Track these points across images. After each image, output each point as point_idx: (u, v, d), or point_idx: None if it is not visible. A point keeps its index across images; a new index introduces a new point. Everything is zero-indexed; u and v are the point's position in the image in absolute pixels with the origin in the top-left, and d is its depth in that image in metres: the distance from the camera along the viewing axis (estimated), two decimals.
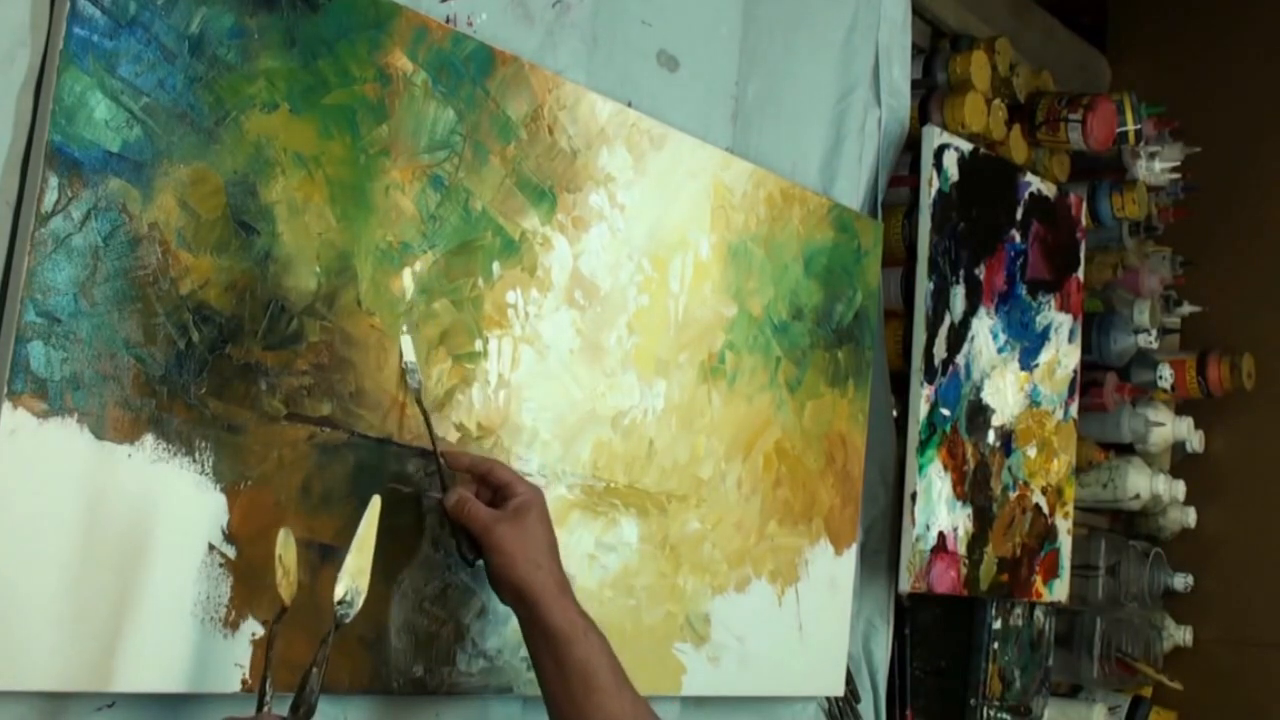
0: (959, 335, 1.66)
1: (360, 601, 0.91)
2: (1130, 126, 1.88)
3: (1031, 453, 1.77)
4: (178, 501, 0.93)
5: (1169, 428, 2.11)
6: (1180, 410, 2.16)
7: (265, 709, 0.88)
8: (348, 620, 0.90)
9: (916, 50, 1.76)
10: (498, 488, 1.05)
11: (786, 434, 1.43)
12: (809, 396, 1.46)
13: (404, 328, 1.07)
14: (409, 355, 1.07)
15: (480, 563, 1.05)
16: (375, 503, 0.93)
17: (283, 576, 0.88)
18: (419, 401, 1.07)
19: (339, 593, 0.90)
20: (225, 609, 0.95)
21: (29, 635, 0.85)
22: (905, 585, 1.56)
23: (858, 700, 1.58)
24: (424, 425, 1.06)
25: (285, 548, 0.88)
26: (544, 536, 1.03)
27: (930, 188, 1.62)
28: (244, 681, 0.95)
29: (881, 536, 1.62)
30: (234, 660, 0.95)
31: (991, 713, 1.75)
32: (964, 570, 1.64)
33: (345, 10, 1.04)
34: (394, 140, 1.07)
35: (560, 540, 1.05)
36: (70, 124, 0.88)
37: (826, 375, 1.49)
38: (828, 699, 1.54)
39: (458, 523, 1.03)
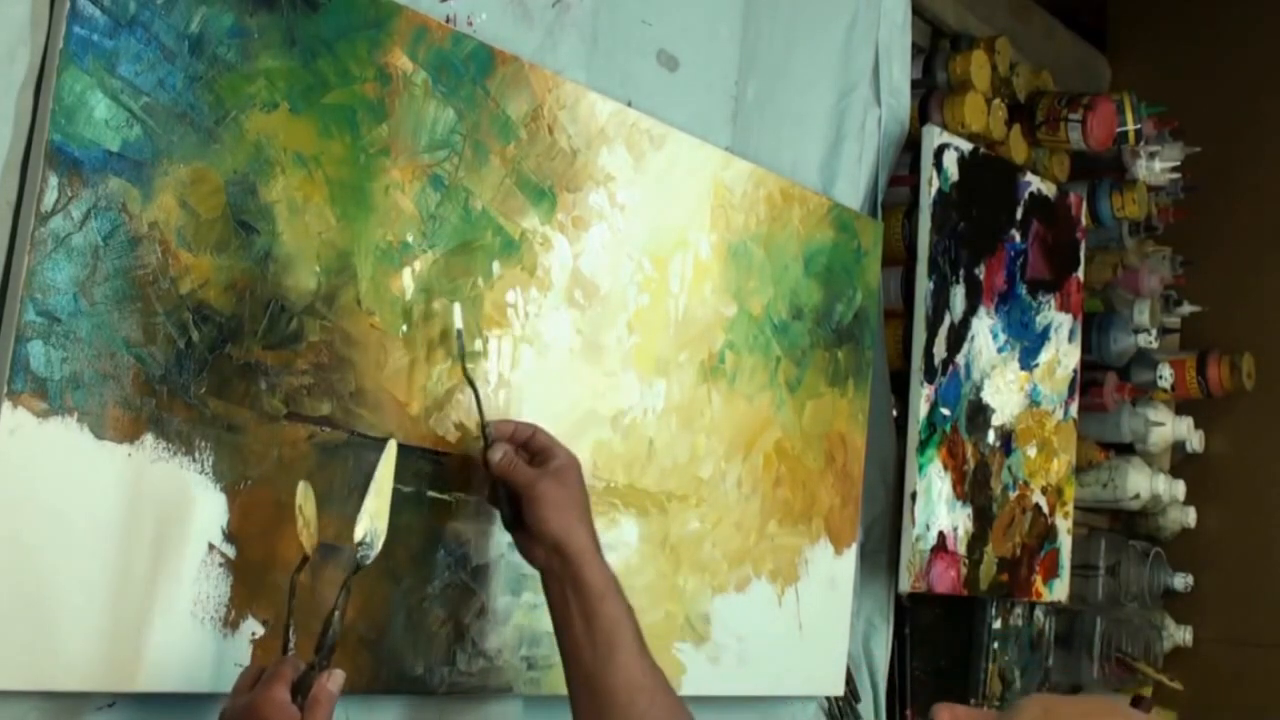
0: (959, 335, 1.66)
1: (379, 544, 0.93)
2: (1130, 126, 1.88)
3: (1031, 452, 1.77)
4: (177, 501, 0.93)
5: (1169, 428, 2.10)
6: (1180, 410, 2.16)
7: (289, 654, 0.90)
8: (368, 562, 0.93)
9: (916, 50, 1.76)
10: (537, 451, 1.08)
11: (786, 434, 1.43)
12: (809, 396, 1.46)
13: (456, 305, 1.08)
14: (459, 324, 1.08)
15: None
16: (391, 445, 0.96)
17: (303, 526, 0.91)
18: (464, 368, 1.08)
19: (359, 534, 0.93)
20: (225, 609, 0.95)
21: (28, 635, 0.85)
22: (905, 585, 1.56)
23: (858, 700, 1.58)
24: (472, 392, 1.08)
25: (305, 499, 0.91)
26: (582, 498, 1.08)
27: (930, 187, 1.62)
28: None
29: (881, 536, 1.62)
30: (234, 660, 0.95)
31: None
32: (964, 570, 1.64)
33: (345, 10, 1.04)
34: (394, 140, 1.07)
35: None
36: (70, 123, 0.88)
37: (826, 375, 1.49)
38: (828, 699, 1.54)
39: (503, 478, 1.07)
